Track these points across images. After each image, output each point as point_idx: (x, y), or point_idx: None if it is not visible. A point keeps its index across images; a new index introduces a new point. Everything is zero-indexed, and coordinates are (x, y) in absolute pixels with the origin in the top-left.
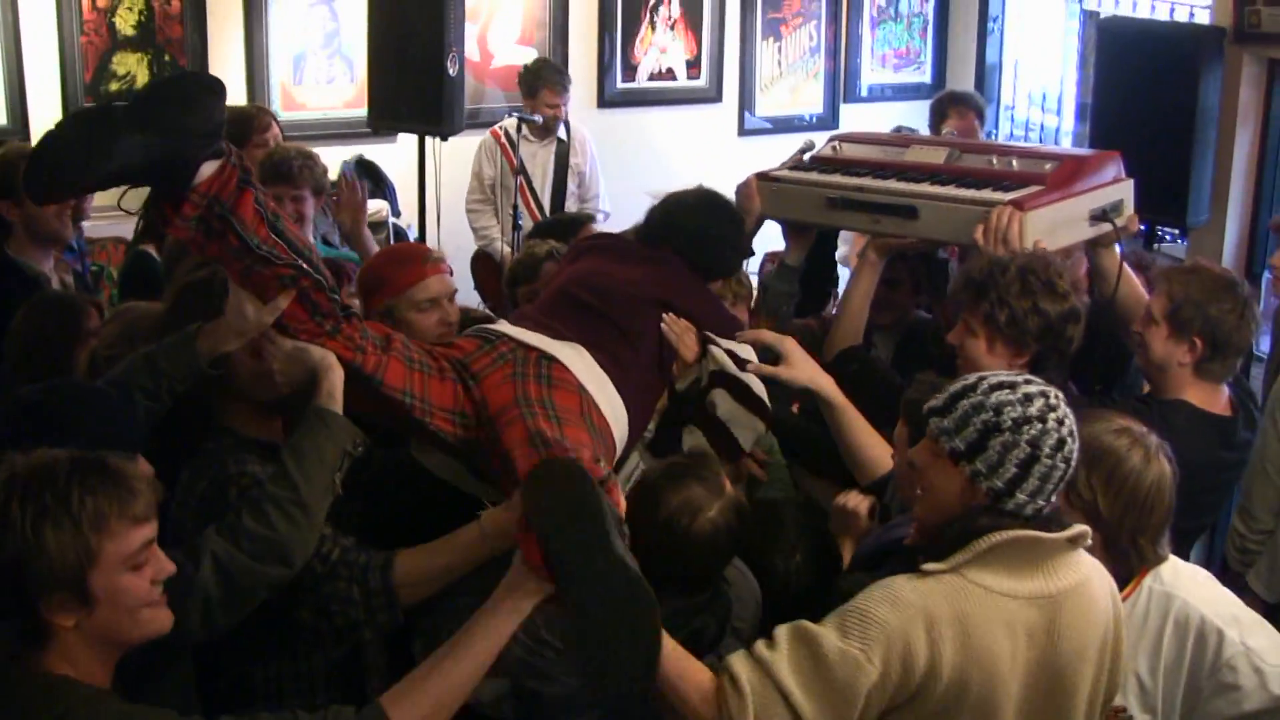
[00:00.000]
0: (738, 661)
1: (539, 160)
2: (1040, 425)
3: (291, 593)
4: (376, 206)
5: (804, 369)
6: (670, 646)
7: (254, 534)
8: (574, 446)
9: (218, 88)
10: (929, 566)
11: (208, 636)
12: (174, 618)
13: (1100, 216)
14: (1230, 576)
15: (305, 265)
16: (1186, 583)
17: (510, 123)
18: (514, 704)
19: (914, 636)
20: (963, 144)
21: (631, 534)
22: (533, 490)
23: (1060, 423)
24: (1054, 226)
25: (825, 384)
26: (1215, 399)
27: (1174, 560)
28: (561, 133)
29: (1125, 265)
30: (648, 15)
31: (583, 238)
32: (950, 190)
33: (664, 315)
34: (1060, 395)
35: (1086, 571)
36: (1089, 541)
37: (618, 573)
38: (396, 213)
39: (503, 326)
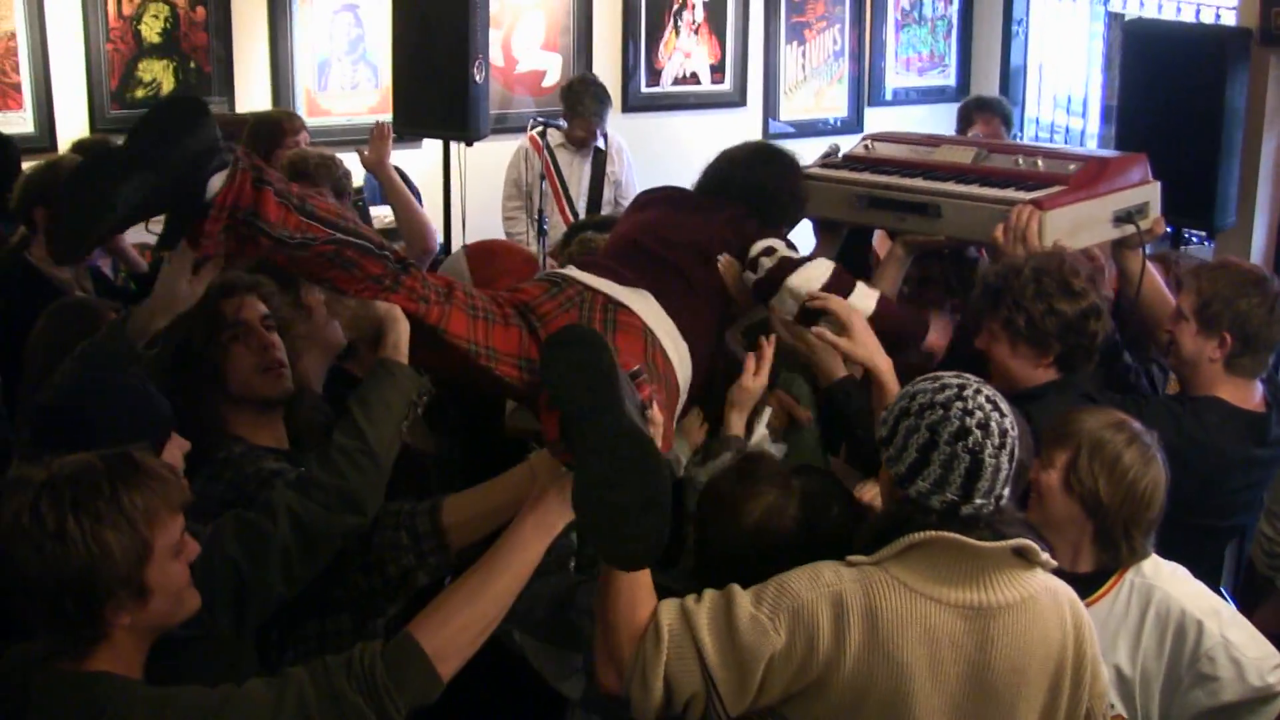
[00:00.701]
0: (666, 608)
1: (575, 169)
2: (942, 411)
3: (336, 567)
4: None
5: (867, 345)
6: (643, 576)
7: (325, 485)
8: None
9: (200, 107)
10: (853, 558)
11: (289, 592)
12: (256, 576)
13: (1124, 218)
14: (1258, 583)
15: (345, 236)
16: (1167, 577)
17: (538, 130)
18: (602, 704)
19: (822, 615)
20: (991, 144)
21: (715, 545)
22: (550, 350)
23: (966, 413)
24: (1075, 227)
25: (883, 365)
26: (1248, 395)
27: (1155, 556)
28: (599, 142)
29: (1149, 266)
30: (671, 20)
31: (647, 190)
32: (973, 189)
33: (721, 255)
34: (985, 392)
35: (1033, 590)
36: (1046, 559)
37: (626, 433)
38: None
39: (571, 271)
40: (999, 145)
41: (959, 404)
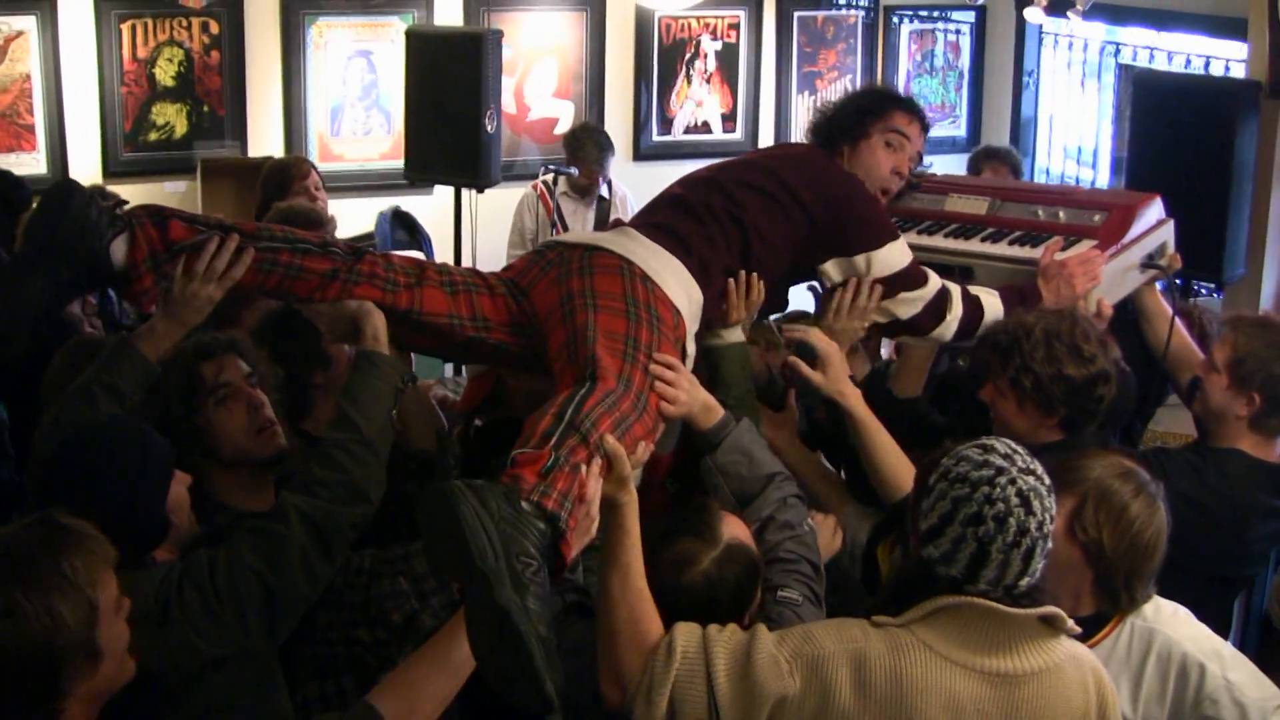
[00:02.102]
0: (685, 631)
1: (579, 217)
2: (969, 490)
3: (338, 625)
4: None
5: (836, 380)
6: (638, 583)
7: (328, 481)
8: (605, 336)
9: (65, 189)
10: (879, 619)
11: (313, 594)
12: (280, 581)
13: (1148, 262)
14: (1274, 635)
15: (273, 243)
16: (1168, 619)
17: (550, 176)
18: None
19: (841, 671)
20: (1001, 190)
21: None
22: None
23: (988, 501)
24: (1112, 282)
25: (852, 397)
26: (1269, 449)
27: (1156, 598)
28: (603, 191)
29: (1177, 320)
30: (683, 69)
31: None
32: (1004, 249)
33: (731, 279)
34: (1022, 484)
35: (1058, 658)
36: (1071, 626)
37: (489, 610)
38: None
39: (559, 237)
40: (1010, 192)
41: (985, 488)
